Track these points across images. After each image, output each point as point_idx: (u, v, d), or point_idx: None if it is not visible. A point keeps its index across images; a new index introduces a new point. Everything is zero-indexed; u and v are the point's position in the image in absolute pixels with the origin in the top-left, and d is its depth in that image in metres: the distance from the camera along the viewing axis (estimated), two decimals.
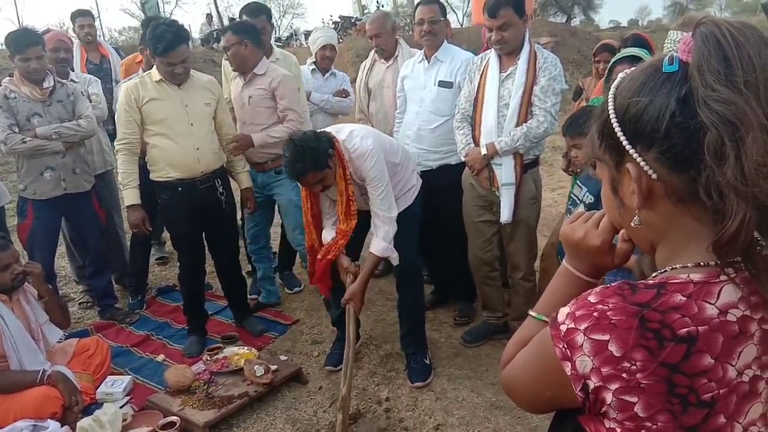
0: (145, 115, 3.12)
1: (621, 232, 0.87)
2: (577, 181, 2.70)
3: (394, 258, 2.89)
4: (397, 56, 3.78)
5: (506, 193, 2.98)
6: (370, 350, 3.30)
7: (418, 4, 3.51)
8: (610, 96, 0.76)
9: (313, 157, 2.62)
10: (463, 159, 3.11)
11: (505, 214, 3.00)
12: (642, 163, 0.72)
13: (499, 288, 3.37)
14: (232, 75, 3.67)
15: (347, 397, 2.62)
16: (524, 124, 2.91)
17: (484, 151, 2.96)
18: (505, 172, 2.97)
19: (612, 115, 0.74)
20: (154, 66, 3.16)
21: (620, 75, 0.78)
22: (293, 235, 3.65)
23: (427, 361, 3.08)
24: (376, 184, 2.77)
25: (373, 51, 3.87)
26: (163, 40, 2.96)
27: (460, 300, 3.69)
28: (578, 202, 2.66)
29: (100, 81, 4.13)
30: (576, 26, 20.67)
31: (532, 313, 0.94)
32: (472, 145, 3.05)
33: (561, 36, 13.74)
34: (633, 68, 0.78)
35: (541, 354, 0.77)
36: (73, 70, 4.10)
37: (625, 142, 0.73)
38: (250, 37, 3.38)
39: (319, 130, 2.83)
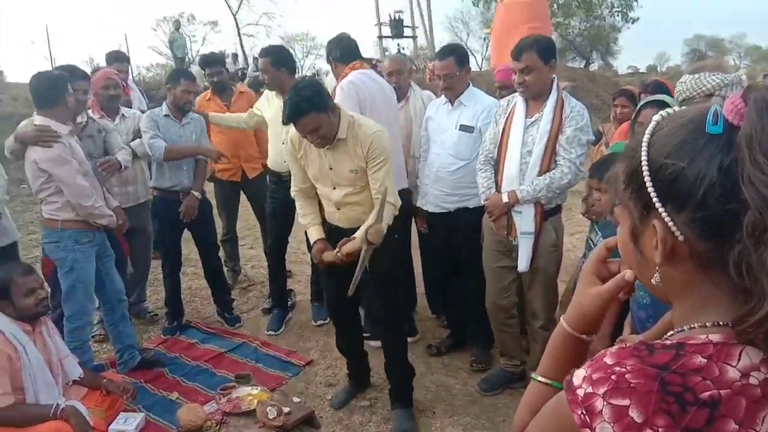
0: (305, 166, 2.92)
1: (626, 272, 0.83)
2: (595, 226, 2.68)
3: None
4: (408, 98, 3.85)
5: (524, 242, 2.94)
6: (384, 395, 3.24)
7: (435, 57, 3.56)
8: (644, 143, 0.71)
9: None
10: (483, 202, 3.09)
11: (523, 264, 2.96)
12: (670, 224, 0.69)
13: (517, 335, 3.31)
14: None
15: None
16: (547, 174, 2.87)
17: (505, 199, 2.93)
18: (524, 220, 2.93)
19: (645, 168, 0.70)
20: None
21: (655, 117, 0.73)
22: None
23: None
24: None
25: None
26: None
27: (476, 344, 3.63)
28: (593, 247, 2.63)
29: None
30: (594, 71, 20.85)
31: (534, 376, 0.91)
32: (494, 189, 3.03)
33: (580, 80, 13.86)
34: (669, 111, 0.74)
35: (559, 421, 0.74)
36: (130, 106, 4.38)
37: (656, 200, 0.69)
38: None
39: None
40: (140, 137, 3.90)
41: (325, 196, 2.91)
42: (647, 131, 0.72)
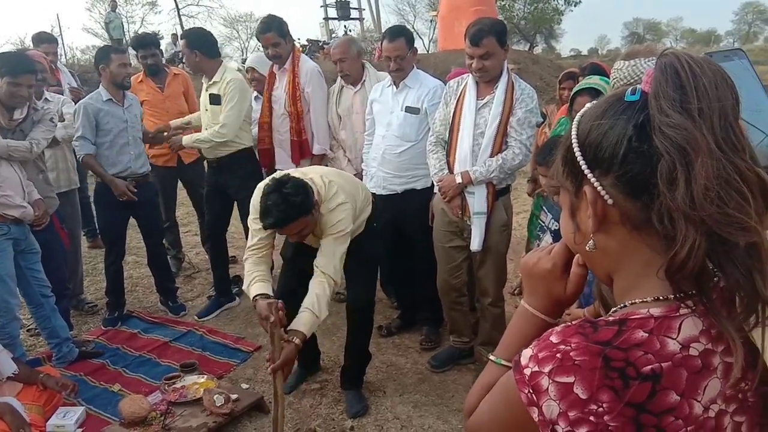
0: None
1: (576, 257, 0.86)
2: (544, 208, 2.74)
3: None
4: (364, 81, 3.75)
5: (477, 221, 2.97)
6: (335, 377, 3.23)
7: (383, 38, 3.43)
8: (574, 123, 0.77)
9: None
10: (435, 183, 3.09)
11: (476, 243, 2.99)
12: (599, 188, 0.72)
13: (467, 313, 3.35)
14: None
15: None
16: (499, 155, 2.90)
17: (458, 179, 2.94)
18: (477, 201, 2.95)
19: (574, 141, 0.75)
20: None
21: (586, 105, 0.79)
22: None
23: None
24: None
25: (339, 76, 3.86)
26: (265, 216, 2.47)
27: (426, 324, 3.65)
28: (545, 228, 2.69)
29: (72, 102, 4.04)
30: (538, 54, 21.26)
31: (491, 357, 0.92)
32: (446, 170, 3.03)
33: (524, 63, 14.06)
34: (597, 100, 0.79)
35: (507, 401, 0.75)
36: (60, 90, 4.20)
37: (584, 166, 0.73)
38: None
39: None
40: (62, 121, 3.70)
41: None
42: (579, 114, 0.78)
